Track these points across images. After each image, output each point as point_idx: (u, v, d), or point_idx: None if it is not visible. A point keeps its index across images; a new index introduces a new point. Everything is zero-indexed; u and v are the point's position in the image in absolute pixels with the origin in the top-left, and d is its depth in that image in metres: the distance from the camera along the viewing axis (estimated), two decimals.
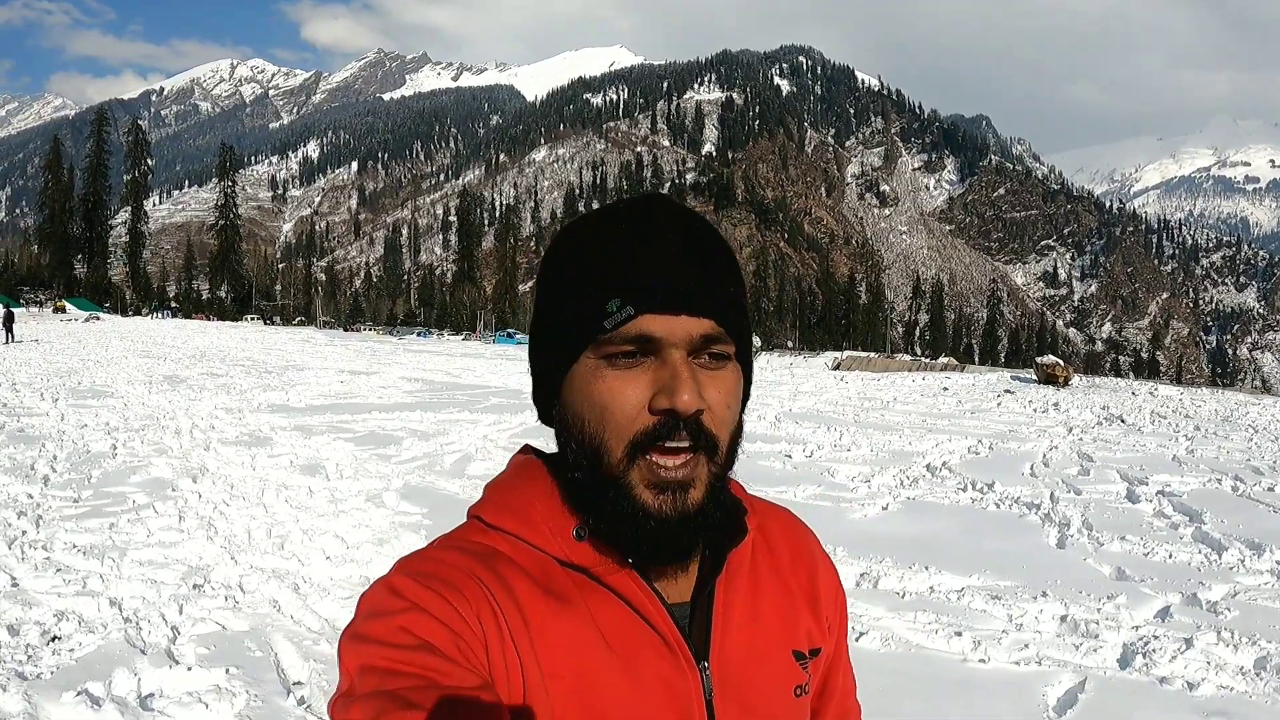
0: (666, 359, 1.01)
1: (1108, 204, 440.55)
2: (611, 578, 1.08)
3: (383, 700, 0.90)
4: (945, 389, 30.20)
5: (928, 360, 60.16)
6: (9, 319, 45.51)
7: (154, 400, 19.96)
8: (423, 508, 9.80)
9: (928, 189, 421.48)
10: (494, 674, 0.98)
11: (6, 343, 42.79)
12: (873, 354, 67.34)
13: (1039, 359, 40.73)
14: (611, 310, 1.00)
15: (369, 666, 0.93)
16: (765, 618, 1.21)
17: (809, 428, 17.31)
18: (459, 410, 18.27)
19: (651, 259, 1.03)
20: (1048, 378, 37.34)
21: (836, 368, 49.67)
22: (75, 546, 8.22)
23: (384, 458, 12.93)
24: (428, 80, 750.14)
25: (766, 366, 43.91)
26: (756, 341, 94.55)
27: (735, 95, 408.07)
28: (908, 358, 66.99)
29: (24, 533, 8.82)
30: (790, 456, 13.89)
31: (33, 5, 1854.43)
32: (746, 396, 1.14)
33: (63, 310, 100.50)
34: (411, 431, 15.41)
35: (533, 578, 1.07)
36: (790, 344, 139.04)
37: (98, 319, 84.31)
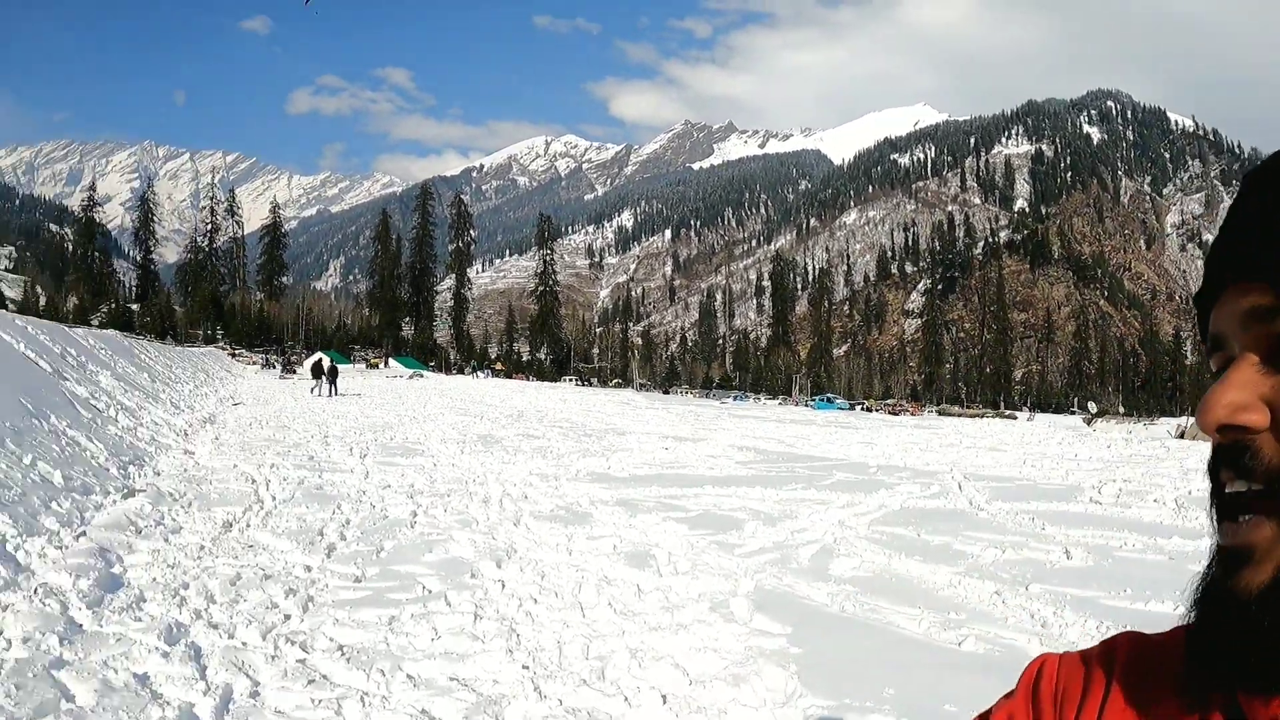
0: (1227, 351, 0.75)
1: None
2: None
3: None
4: None
5: None
6: (333, 373, 46.28)
7: (465, 462, 18.53)
8: (784, 625, 7.53)
9: None
10: None
11: (330, 396, 43.14)
12: None
13: None
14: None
15: None
16: None
17: None
18: (802, 487, 15.90)
19: (1229, 221, 0.83)
20: None
21: (1180, 436, 45.03)
22: (340, 648, 6.63)
23: (724, 546, 10.71)
24: (735, 149, 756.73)
25: (1106, 437, 39.76)
26: (1091, 408, 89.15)
27: (1044, 147, 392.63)
28: None
29: (286, 619, 7.38)
30: None
31: (359, 95, 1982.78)
32: None
33: (375, 366, 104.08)
34: (753, 512, 13.15)
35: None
36: (1121, 409, 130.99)
37: (421, 376, 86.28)
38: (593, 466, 18.34)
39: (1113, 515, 13.50)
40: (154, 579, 8.34)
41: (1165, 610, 7.98)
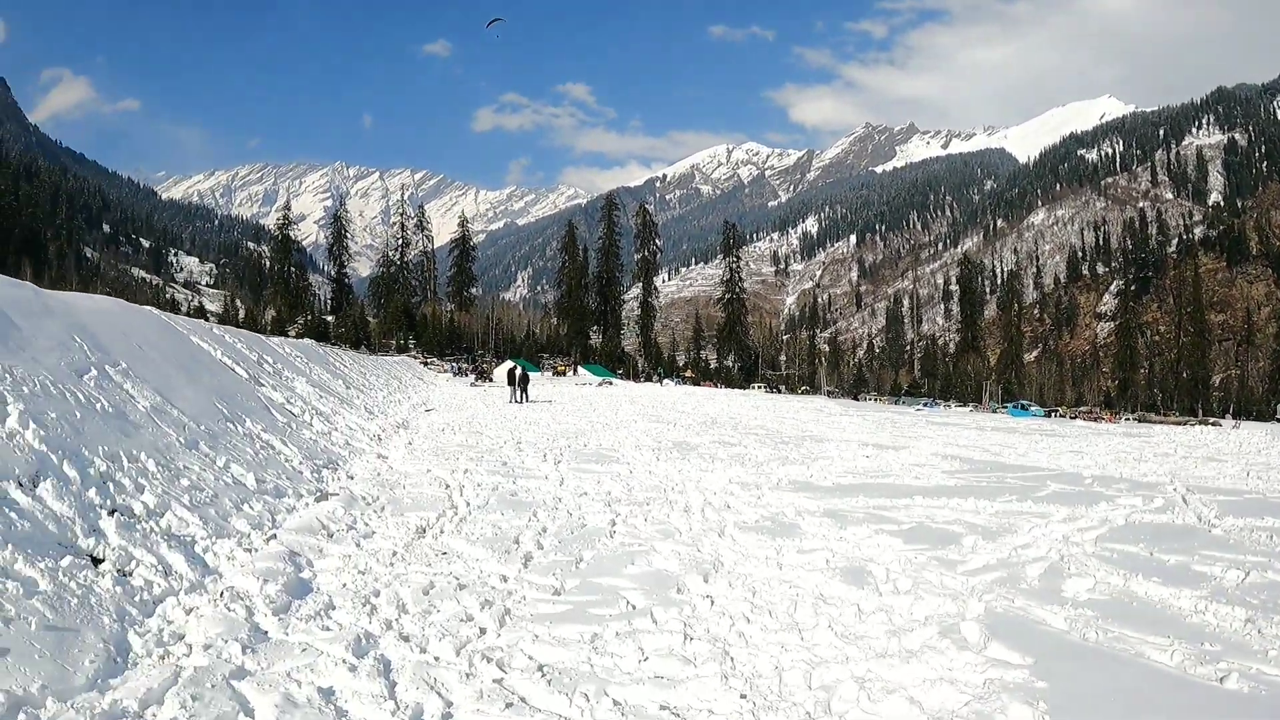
0: None
1: None
2: None
3: None
4: None
5: None
6: (524, 380, 46.34)
7: (661, 469, 18.05)
8: (1024, 654, 6.82)
9: None
10: None
11: (521, 402, 43.30)
12: None
13: None
14: None
15: None
16: None
17: None
18: (1016, 499, 14.91)
19: None
20: None
21: None
22: (540, 668, 6.30)
23: (945, 563, 9.93)
24: (917, 150, 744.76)
25: None
26: None
27: (1237, 135, 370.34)
28: None
29: (482, 633, 7.09)
30: None
31: (541, 111, 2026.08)
32: None
33: (562, 374, 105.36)
34: (969, 526, 12.29)
35: None
36: None
37: (610, 384, 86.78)
38: (794, 475, 17.65)
39: None
40: (344, 585, 8.19)
41: None
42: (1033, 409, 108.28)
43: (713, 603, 7.95)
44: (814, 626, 7.28)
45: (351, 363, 44.13)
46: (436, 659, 6.43)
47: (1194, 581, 9.09)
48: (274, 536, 9.39)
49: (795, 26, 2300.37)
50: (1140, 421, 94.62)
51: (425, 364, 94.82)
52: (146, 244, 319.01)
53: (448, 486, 14.16)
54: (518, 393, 45.06)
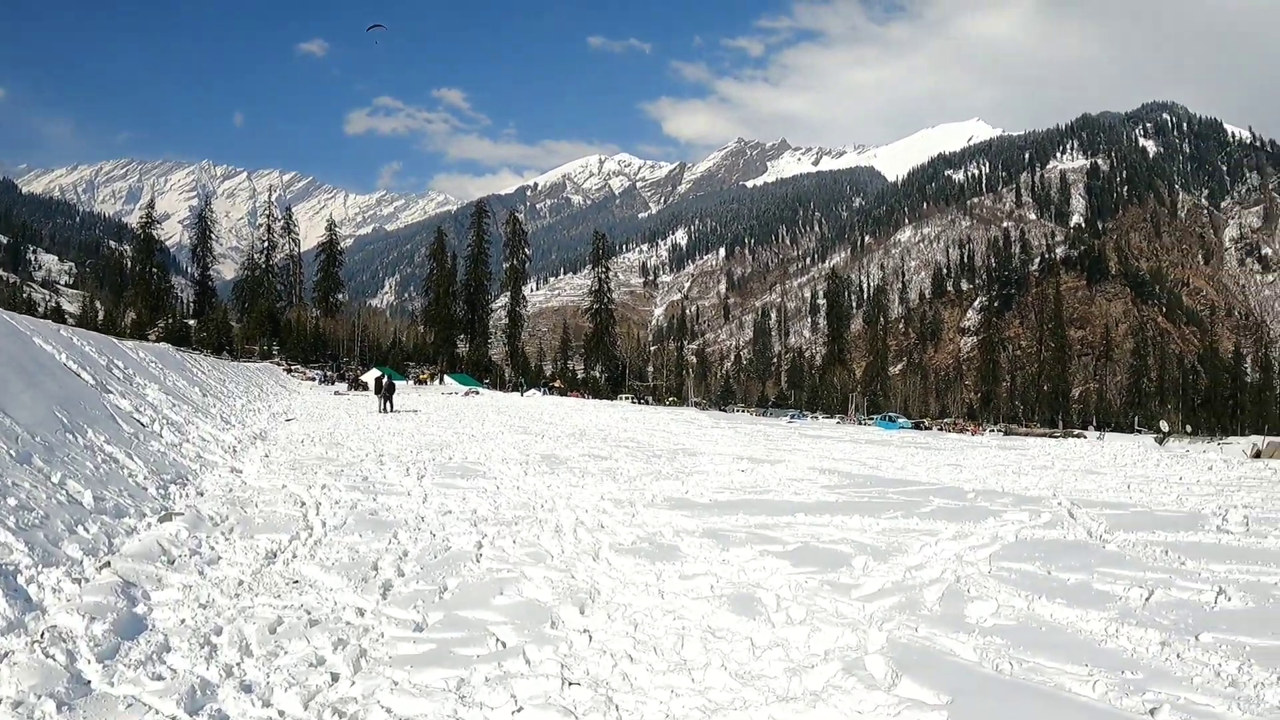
0: None
1: None
2: None
3: None
4: None
5: None
6: (390, 389, 45.73)
7: (530, 484, 17.34)
8: (939, 692, 6.25)
9: None
10: None
11: (385, 412, 42.34)
12: None
13: None
14: None
15: None
16: None
17: None
18: (902, 515, 14.52)
19: None
20: None
21: (1257, 456, 43.22)
22: None
23: (838, 588, 9.35)
24: (788, 166, 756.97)
25: (1204, 458, 37.87)
26: (1164, 426, 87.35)
27: (1099, 161, 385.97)
28: None
29: (334, 680, 6.32)
30: None
31: (415, 116, 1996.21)
32: None
33: (424, 382, 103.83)
34: (857, 545, 11.77)
35: None
36: (1188, 428, 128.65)
37: (477, 393, 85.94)
38: (669, 491, 17.09)
39: (1251, 547, 12.05)
40: (182, 621, 7.27)
41: None
42: (900, 421, 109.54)
43: (591, 638, 7.26)
44: (705, 665, 6.63)
45: (211, 369, 42.70)
46: (282, 714, 5.68)
47: (1099, 602, 8.75)
48: (108, 564, 8.42)
49: (673, 41, 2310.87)
50: (1006, 434, 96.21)
51: (289, 371, 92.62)
52: (4, 240, 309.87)
53: (303, 504, 13.25)
54: (384, 402, 44.36)
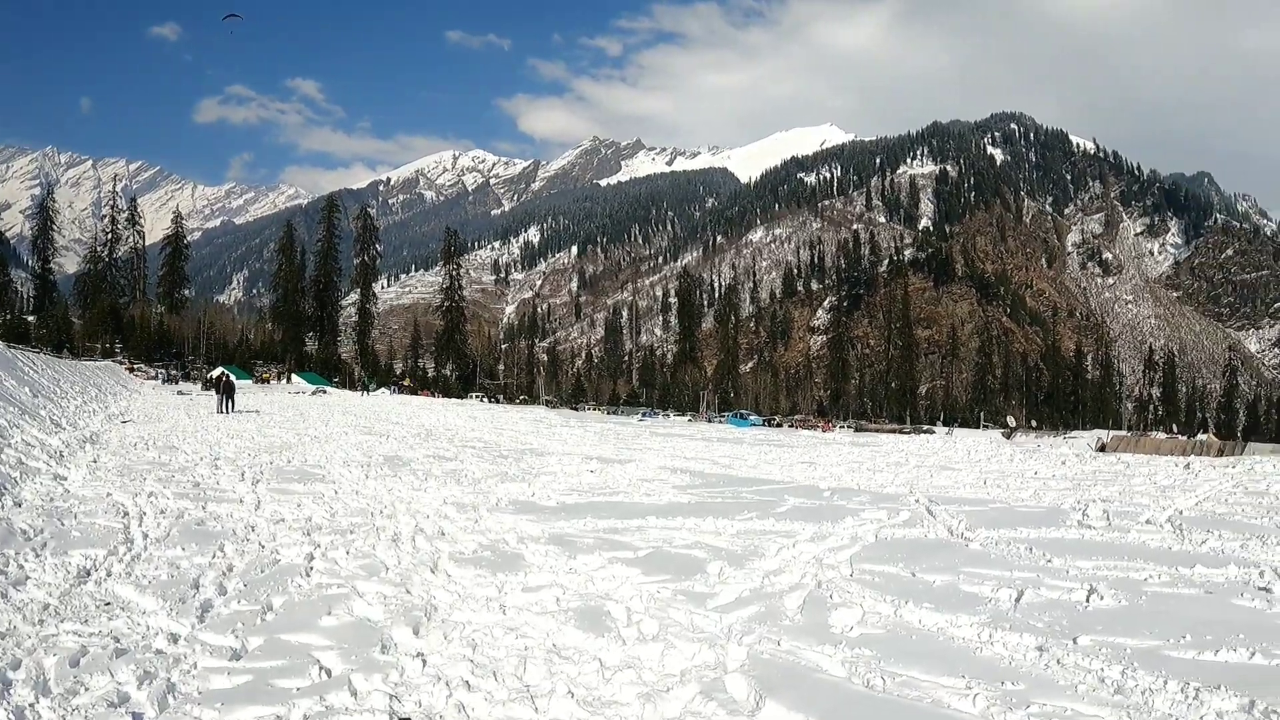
0: None
1: None
2: None
3: None
4: None
5: (1208, 441, 54.37)
6: (230, 387, 44.62)
7: (370, 488, 16.61)
8: (807, 716, 5.76)
9: (1151, 254, 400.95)
10: None
11: (226, 412, 41.09)
12: (1150, 435, 63.76)
13: None
14: None
15: None
16: None
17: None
18: (757, 516, 14.18)
19: None
20: None
21: (1102, 449, 44.41)
22: None
23: (692, 598, 8.81)
24: (643, 166, 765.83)
25: (1056, 453, 38.52)
26: (1010, 421, 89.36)
27: (949, 167, 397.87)
28: (1163, 436, 64.87)
29: None
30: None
31: (268, 106, 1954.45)
32: None
33: (265, 381, 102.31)
34: (712, 550, 11.29)
35: None
36: (1034, 423, 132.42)
37: (324, 392, 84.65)
38: (515, 493, 16.52)
39: (1114, 541, 11.99)
40: None
41: (1240, 660, 6.73)
42: (752, 418, 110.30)
43: (425, 663, 6.57)
44: (550, 692, 5.99)
45: (44, 367, 40.96)
46: None
47: (968, 605, 8.47)
48: None
49: (532, 38, 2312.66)
50: (857, 430, 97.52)
51: (132, 370, 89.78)
52: None
53: (126, 515, 12.28)
54: (225, 401, 43.14)
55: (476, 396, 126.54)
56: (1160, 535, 12.51)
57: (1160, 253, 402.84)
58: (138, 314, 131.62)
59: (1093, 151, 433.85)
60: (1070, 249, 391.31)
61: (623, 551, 11.02)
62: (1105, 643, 7.13)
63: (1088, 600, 8.58)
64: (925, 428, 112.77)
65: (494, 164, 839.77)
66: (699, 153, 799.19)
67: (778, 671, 6.47)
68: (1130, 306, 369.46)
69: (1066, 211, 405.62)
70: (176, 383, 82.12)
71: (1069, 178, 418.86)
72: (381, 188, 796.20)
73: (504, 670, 6.44)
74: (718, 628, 7.68)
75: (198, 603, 8.02)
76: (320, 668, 6.42)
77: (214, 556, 9.93)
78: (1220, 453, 39.96)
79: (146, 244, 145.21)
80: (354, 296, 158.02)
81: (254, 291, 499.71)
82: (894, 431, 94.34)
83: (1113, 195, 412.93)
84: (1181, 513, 14.75)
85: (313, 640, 7.06)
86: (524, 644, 7.11)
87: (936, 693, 6.10)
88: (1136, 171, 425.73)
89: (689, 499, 16.35)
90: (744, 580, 9.47)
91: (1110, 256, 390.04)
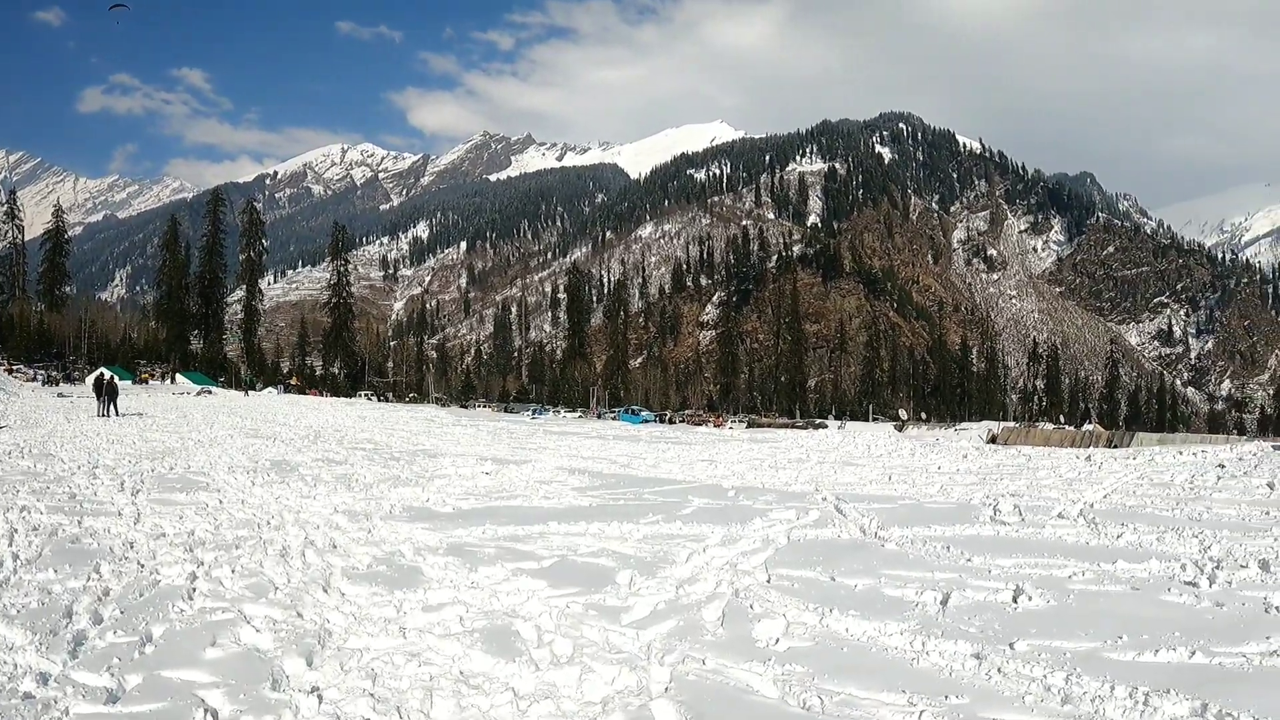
0: None
1: (1219, 255, 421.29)
2: None
3: None
4: (1223, 467, 23.70)
5: (1095, 431, 55.16)
6: (112, 389, 43.30)
7: (257, 496, 15.84)
8: None
9: (1035, 251, 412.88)
10: None
11: (107, 415, 40.06)
12: (1038, 426, 65.09)
13: None
14: None
15: None
16: None
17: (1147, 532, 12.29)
18: (663, 519, 13.75)
19: None
20: None
21: (992, 441, 44.74)
22: None
23: (605, 612, 8.27)
24: (533, 161, 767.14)
25: (956, 446, 38.55)
26: (902, 414, 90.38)
27: (838, 165, 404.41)
28: (1050, 426, 65.60)
29: None
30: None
31: (153, 96, 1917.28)
32: None
33: (144, 381, 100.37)
34: (620, 558, 10.78)
35: None
36: (924, 415, 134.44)
37: (210, 393, 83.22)
38: (408, 499, 15.92)
39: (1030, 538, 11.79)
40: None
41: (1181, 660, 6.61)
42: (645, 414, 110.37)
43: (321, 699, 5.94)
44: None
45: None
46: None
47: (894, 610, 8.15)
48: None
49: (424, 30, 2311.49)
50: (750, 425, 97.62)
51: (10, 372, 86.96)
52: None
53: None
54: (106, 404, 42.06)
55: (365, 395, 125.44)
56: (1075, 530, 12.38)
57: (1044, 250, 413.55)
58: (17, 313, 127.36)
59: (979, 151, 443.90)
60: (956, 246, 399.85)
61: (526, 562, 10.46)
62: (1042, 647, 6.88)
63: (1015, 601, 8.33)
64: (818, 421, 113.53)
65: (383, 158, 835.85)
66: (589, 148, 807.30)
67: (707, 695, 6.00)
68: (1014, 301, 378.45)
69: (953, 209, 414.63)
70: (57, 384, 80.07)
71: (955, 176, 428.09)
72: (268, 181, 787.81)
73: (409, 706, 5.83)
74: (636, 646, 7.17)
75: (70, 634, 7.17)
76: (205, 709, 5.71)
77: (89, 579, 9.07)
78: (1110, 442, 40.38)
79: (26, 239, 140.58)
80: (240, 293, 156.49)
81: (137, 288, 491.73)
82: (788, 426, 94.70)
83: (998, 194, 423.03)
84: (1092, 506, 14.69)
85: (196, 676, 6.34)
86: (428, 672, 6.49)
87: (879, 711, 5.73)
88: (1021, 171, 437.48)
89: (590, 501, 15.90)
90: (657, 591, 8.99)
91: (995, 253, 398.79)
